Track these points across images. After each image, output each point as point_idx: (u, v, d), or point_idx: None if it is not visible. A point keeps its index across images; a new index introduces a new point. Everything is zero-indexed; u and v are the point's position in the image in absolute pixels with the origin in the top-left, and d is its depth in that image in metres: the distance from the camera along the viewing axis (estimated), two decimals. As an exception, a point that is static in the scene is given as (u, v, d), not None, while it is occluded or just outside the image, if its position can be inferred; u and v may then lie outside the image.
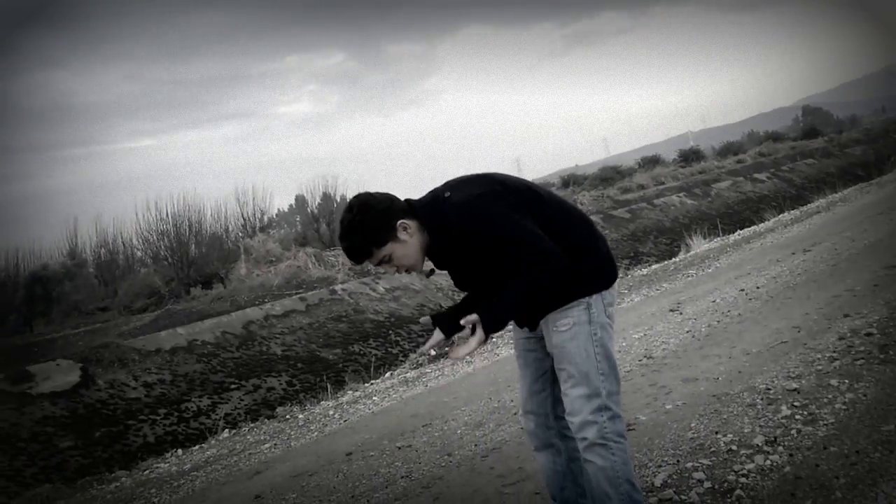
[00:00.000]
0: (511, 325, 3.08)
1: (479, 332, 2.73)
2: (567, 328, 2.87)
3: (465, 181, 2.92)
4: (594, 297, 2.89)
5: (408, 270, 2.89)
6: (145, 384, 7.94)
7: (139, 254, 13.06)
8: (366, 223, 2.78)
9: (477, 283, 3.00)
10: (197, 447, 6.72)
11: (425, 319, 3.05)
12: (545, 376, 3.08)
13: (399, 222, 2.80)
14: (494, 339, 8.13)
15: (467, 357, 2.36)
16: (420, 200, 2.90)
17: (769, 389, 4.50)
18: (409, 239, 2.82)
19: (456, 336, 3.00)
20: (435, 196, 2.90)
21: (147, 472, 6.22)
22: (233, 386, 8.19)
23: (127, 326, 9.16)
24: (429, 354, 7.69)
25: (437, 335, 2.99)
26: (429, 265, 2.93)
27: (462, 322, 2.75)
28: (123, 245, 13.00)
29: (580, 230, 2.96)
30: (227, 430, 7.09)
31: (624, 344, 6.45)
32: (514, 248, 2.76)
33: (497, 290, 2.81)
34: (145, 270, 12.36)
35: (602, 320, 2.91)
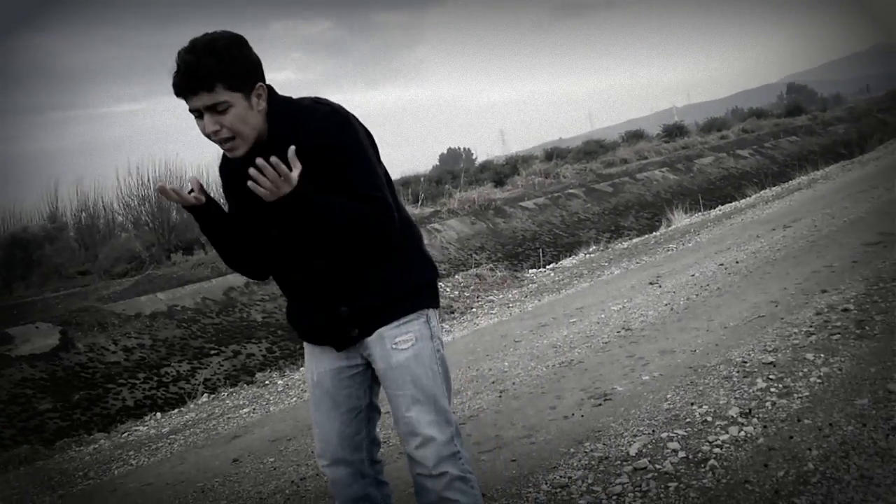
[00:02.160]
0: (307, 357, 2.62)
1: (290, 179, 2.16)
2: (409, 345, 2.42)
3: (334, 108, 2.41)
4: (432, 310, 2.52)
5: (227, 141, 2.28)
6: (125, 348, 7.92)
7: (120, 219, 12.96)
8: (229, 53, 2.23)
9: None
10: (176, 411, 6.73)
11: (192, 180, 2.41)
12: (360, 416, 2.58)
13: (259, 84, 2.31)
14: (473, 309, 8.16)
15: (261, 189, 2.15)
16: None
17: (745, 362, 4.56)
18: (257, 107, 2.30)
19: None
20: (295, 99, 2.43)
21: (126, 434, 6.23)
22: (212, 352, 8.19)
23: (107, 291, 9.11)
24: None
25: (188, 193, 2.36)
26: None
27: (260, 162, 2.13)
28: (104, 209, 12.90)
29: (416, 231, 2.60)
30: (206, 394, 7.10)
31: (602, 316, 6.49)
32: (362, 186, 2.31)
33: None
34: (126, 235, 12.26)
35: (440, 335, 2.56)
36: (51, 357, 7.55)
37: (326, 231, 2.30)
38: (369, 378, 2.56)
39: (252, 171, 2.13)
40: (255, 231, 2.47)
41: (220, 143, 2.30)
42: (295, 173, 2.16)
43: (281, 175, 2.12)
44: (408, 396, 2.42)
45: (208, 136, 2.28)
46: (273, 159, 2.12)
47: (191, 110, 2.28)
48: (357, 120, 2.40)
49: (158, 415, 6.71)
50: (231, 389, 7.08)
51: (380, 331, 2.43)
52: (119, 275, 10.26)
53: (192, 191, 2.37)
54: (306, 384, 2.72)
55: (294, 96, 2.45)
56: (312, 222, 2.26)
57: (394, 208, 2.36)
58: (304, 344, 2.65)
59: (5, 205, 11.95)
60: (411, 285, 2.47)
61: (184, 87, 2.23)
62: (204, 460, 4.99)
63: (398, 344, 2.42)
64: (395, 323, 2.43)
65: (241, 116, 2.27)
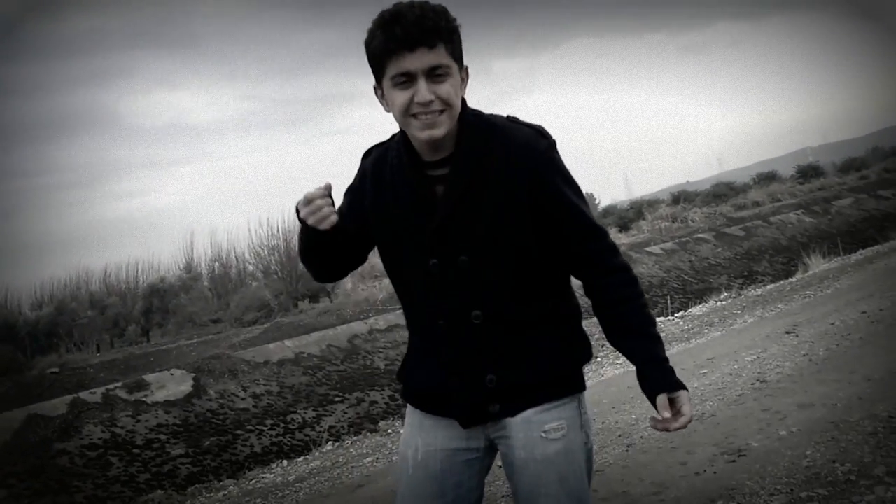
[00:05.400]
0: (411, 427, 2.20)
1: (689, 406, 1.95)
2: (560, 434, 2.02)
3: None
4: (583, 394, 2.12)
5: (437, 115, 1.90)
6: (253, 395, 8.11)
7: (251, 268, 13.44)
8: (452, 19, 1.93)
9: (472, 270, 1.99)
10: (301, 458, 6.81)
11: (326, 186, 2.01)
12: None
13: (466, 66, 2.01)
14: (598, 358, 7.98)
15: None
16: None
17: (892, 417, 4.27)
18: (462, 90, 1.98)
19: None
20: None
21: (253, 481, 6.33)
22: (337, 399, 8.29)
23: (237, 338, 9.40)
24: None
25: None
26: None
27: (662, 408, 1.94)
28: (236, 259, 13.41)
29: (577, 299, 2.19)
30: (330, 442, 7.17)
31: (736, 367, 6.22)
32: (588, 230, 2.03)
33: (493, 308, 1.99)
34: (256, 284, 12.69)
35: (591, 424, 2.13)
36: (184, 403, 7.79)
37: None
38: (487, 466, 2.17)
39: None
40: (404, 264, 2.10)
41: (427, 117, 1.91)
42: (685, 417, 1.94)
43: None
44: (551, 497, 2.01)
45: (416, 105, 1.91)
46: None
47: (396, 76, 1.91)
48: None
49: (285, 462, 6.80)
50: (355, 438, 7.12)
51: (527, 413, 2.02)
52: (249, 322, 10.59)
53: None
54: (401, 460, 2.22)
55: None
56: None
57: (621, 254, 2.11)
58: (410, 410, 2.21)
59: (145, 256, 12.57)
60: (571, 363, 2.10)
61: (407, 38, 1.87)
62: (327, 510, 5.01)
63: (548, 432, 2.02)
64: (546, 406, 2.03)
65: (455, 90, 1.94)
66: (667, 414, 1.94)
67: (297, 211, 2.00)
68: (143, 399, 7.77)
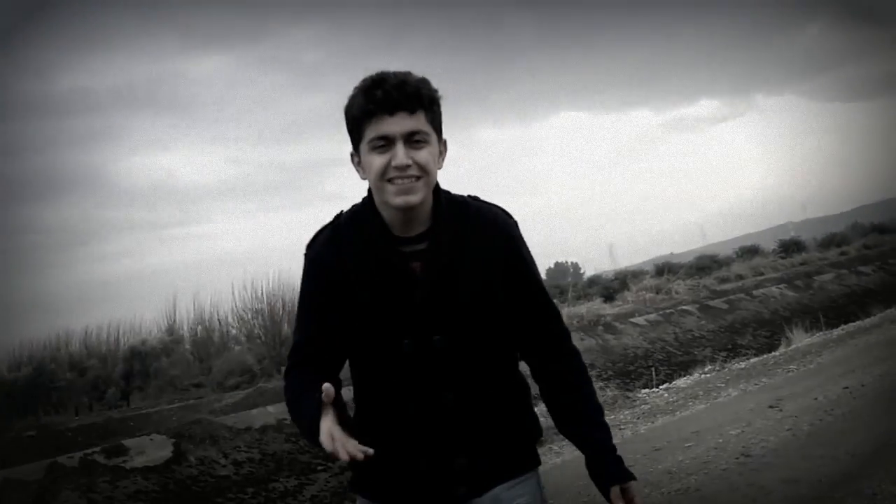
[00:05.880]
0: None
1: (640, 498, 1.98)
2: None
3: None
4: (539, 468, 2.12)
5: (413, 180, 1.86)
6: (235, 462, 7.99)
7: (234, 331, 13.35)
8: (434, 88, 1.93)
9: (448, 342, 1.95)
10: (281, 529, 6.70)
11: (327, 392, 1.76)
12: None
13: (445, 138, 2.00)
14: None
15: None
16: None
17: (875, 494, 4.26)
18: (439, 161, 1.96)
19: None
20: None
21: (231, 551, 6.21)
22: (319, 467, 8.18)
23: (219, 403, 9.30)
24: None
25: None
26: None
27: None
28: (220, 322, 13.32)
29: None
30: (311, 512, 7.05)
31: (720, 440, 6.21)
32: (548, 312, 2.08)
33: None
34: (239, 348, 12.60)
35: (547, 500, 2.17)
36: (164, 469, 7.67)
37: None
38: None
39: None
40: (373, 347, 1.99)
41: (403, 182, 1.88)
42: None
43: None
44: None
45: (392, 169, 1.88)
46: None
47: (374, 139, 1.88)
48: None
49: (264, 531, 6.68)
50: (336, 508, 7.02)
51: (494, 491, 1.99)
52: (231, 387, 10.49)
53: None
54: None
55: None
56: None
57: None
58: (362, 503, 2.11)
59: (127, 318, 12.47)
60: (530, 437, 2.11)
61: (387, 101, 1.85)
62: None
63: None
64: (511, 482, 2.02)
65: (434, 157, 1.92)
66: None
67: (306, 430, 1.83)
68: (122, 465, 7.63)
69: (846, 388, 7.29)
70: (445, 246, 1.94)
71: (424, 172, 1.89)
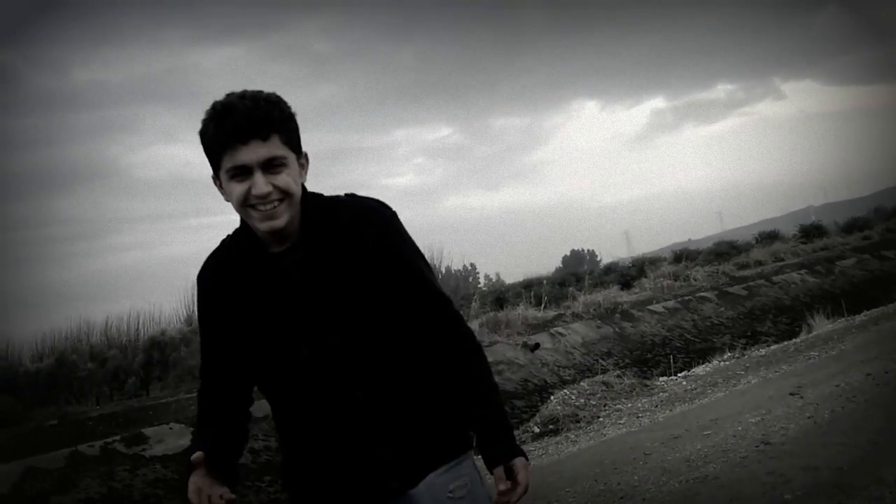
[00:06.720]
0: None
1: (524, 474, 1.98)
2: (464, 492, 2.04)
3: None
4: (472, 450, 2.12)
5: (275, 204, 1.90)
6: (252, 450, 8.02)
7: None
8: (286, 107, 1.94)
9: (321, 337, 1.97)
10: (300, 517, 6.73)
11: (196, 457, 1.91)
12: None
13: (305, 152, 2.01)
14: (600, 418, 7.91)
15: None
16: None
17: (899, 483, 4.21)
18: (301, 178, 1.99)
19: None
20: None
21: (250, 540, 6.25)
22: (337, 456, 8.22)
23: (238, 392, 9.35)
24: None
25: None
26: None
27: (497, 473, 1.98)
28: (238, 312, 13.35)
29: None
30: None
31: (739, 428, 6.16)
32: (434, 299, 2.07)
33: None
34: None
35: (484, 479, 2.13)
36: (182, 458, 7.72)
37: None
38: None
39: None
40: (272, 362, 2.04)
41: (266, 207, 1.90)
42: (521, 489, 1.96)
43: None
44: None
45: (253, 197, 1.89)
46: None
47: (231, 168, 1.89)
48: None
49: (283, 520, 6.72)
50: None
51: (428, 478, 2.00)
52: (250, 376, 10.53)
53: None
54: None
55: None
56: None
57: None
58: None
59: (146, 309, 12.51)
60: (458, 419, 2.09)
61: (238, 131, 1.85)
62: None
63: (454, 491, 2.03)
64: (444, 468, 2.03)
65: (294, 178, 1.93)
66: (503, 486, 1.96)
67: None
68: (142, 453, 7.69)
69: (869, 374, 7.21)
70: (318, 251, 1.97)
71: (286, 195, 1.92)
